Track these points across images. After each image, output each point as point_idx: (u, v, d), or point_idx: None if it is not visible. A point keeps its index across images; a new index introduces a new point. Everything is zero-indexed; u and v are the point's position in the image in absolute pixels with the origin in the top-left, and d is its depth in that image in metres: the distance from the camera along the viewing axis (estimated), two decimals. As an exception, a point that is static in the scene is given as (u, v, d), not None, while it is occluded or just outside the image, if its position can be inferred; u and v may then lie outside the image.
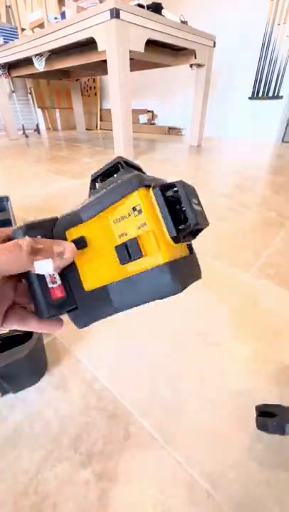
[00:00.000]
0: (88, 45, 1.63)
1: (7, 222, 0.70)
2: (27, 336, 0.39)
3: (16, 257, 0.15)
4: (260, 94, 2.67)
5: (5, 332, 0.39)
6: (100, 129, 3.87)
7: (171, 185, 0.15)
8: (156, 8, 1.60)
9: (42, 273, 0.16)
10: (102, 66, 1.69)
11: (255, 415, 0.32)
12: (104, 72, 1.59)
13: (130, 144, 1.77)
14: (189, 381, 0.40)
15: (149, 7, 1.57)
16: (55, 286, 0.17)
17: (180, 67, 2.21)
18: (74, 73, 2.91)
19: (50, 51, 1.87)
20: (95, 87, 3.72)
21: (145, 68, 2.32)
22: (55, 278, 0.17)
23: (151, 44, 1.67)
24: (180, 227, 0.15)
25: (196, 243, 0.17)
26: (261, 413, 0.32)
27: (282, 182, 1.38)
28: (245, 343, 0.45)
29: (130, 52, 1.46)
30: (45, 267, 0.16)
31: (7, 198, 0.80)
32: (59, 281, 0.17)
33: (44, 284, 0.17)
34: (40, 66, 2.03)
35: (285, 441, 0.32)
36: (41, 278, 0.16)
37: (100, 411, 0.36)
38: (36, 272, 0.16)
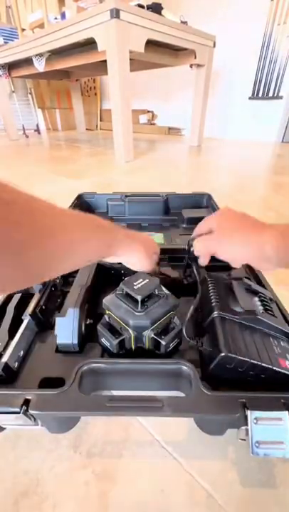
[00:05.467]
0: (88, 45, 1.63)
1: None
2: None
3: None
4: (260, 94, 2.67)
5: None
6: (100, 129, 3.87)
7: None
8: (156, 9, 1.60)
9: None
10: (102, 66, 1.69)
11: None
12: (104, 72, 1.59)
13: (130, 144, 1.78)
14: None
15: (149, 7, 1.57)
16: None
17: (180, 68, 2.21)
18: (74, 73, 2.91)
19: (50, 51, 1.87)
20: (95, 88, 3.73)
21: (145, 68, 2.32)
22: None
23: (151, 44, 1.66)
24: None
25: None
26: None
27: (283, 181, 1.38)
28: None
29: (130, 52, 1.46)
30: None
31: (209, 196, 0.84)
32: None
33: None
34: (40, 66, 2.03)
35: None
36: None
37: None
38: None
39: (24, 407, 0.26)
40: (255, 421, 0.25)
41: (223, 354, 0.29)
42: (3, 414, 0.27)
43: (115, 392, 0.35)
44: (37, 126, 3.53)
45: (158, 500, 0.28)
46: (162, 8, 1.65)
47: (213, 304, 0.36)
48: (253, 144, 2.59)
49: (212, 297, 0.37)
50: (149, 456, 0.31)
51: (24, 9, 2.61)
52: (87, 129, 3.69)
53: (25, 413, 0.26)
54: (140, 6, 1.50)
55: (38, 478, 0.30)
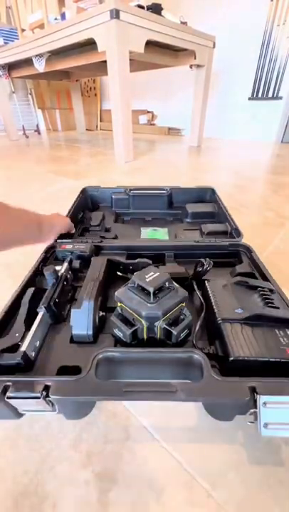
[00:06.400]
0: (88, 45, 1.63)
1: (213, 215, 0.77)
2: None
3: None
4: (260, 95, 2.67)
5: None
6: (100, 129, 3.87)
7: None
8: (156, 9, 1.61)
9: None
10: (102, 67, 1.69)
11: None
12: (104, 72, 1.59)
13: (130, 145, 1.78)
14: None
15: (149, 8, 1.57)
16: None
17: (180, 68, 2.21)
18: (74, 74, 2.91)
19: (50, 52, 1.87)
20: (95, 88, 3.73)
21: (145, 69, 2.32)
22: None
23: (151, 45, 1.67)
24: None
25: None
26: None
27: (282, 182, 1.39)
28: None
29: (130, 52, 1.46)
30: None
31: (213, 190, 0.84)
32: None
33: None
34: (40, 67, 2.03)
35: (285, 441, 0.32)
36: None
37: (99, 411, 0.36)
38: None
39: (44, 393, 0.28)
40: (264, 404, 0.26)
41: (232, 358, 0.31)
42: (23, 400, 0.28)
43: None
44: (37, 126, 3.53)
45: (158, 500, 0.28)
46: (162, 9, 1.65)
47: (216, 311, 0.38)
48: (252, 145, 2.59)
49: (213, 305, 0.39)
50: (148, 456, 0.31)
51: (24, 10, 2.61)
52: (87, 130, 3.69)
53: (45, 398, 0.28)
54: (140, 6, 1.50)
55: (38, 478, 0.30)
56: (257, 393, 0.27)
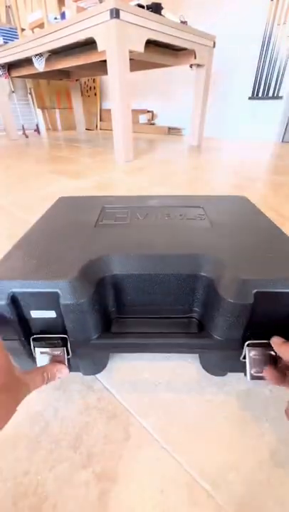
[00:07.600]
0: (88, 45, 1.63)
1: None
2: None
3: None
4: (260, 95, 2.67)
5: None
6: (100, 129, 3.87)
7: None
8: (156, 9, 1.60)
9: None
10: (102, 66, 1.69)
11: None
12: (104, 72, 1.59)
13: (130, 145, 1.78)
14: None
15: (149, 7, 1.57)
16: None
17: (180, 67, 2.21)
18: (74, 73, 2.91)
19: (50, 51, 1.87)
20: (94, 88, 3.73)
21: (145, 68, 2.32)
22: None
23: (151, 44, 1.67)
24: None
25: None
26: None
27: (283, 181, 1.38)
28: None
29: (130, 52, 1.46)
30: None
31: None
32: None
33: None
34: (40, 66, 2.03)
35: (286, 443, 0.32)
36: None
37: (99, 411, 0.36)
38: None
39: (64, 348, 0.33)
40: (251, 355, 0.32)
41: None
42: (43, 355, 0.33)
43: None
44: (37, 126, 3.53)
45: (158, 500, 0.28)
46: (162, 8, 1.65)
47: None
48: (252, 144, 2.59)
49: None
50: (149, 456, 0.31)
51: (24, 9, 2.61)
52: (87, 129, 3.69)
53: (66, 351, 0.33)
54: (140, 6, 1.50)
55: (38, 478, 0.30)
56: (247, 346, 0.32)
